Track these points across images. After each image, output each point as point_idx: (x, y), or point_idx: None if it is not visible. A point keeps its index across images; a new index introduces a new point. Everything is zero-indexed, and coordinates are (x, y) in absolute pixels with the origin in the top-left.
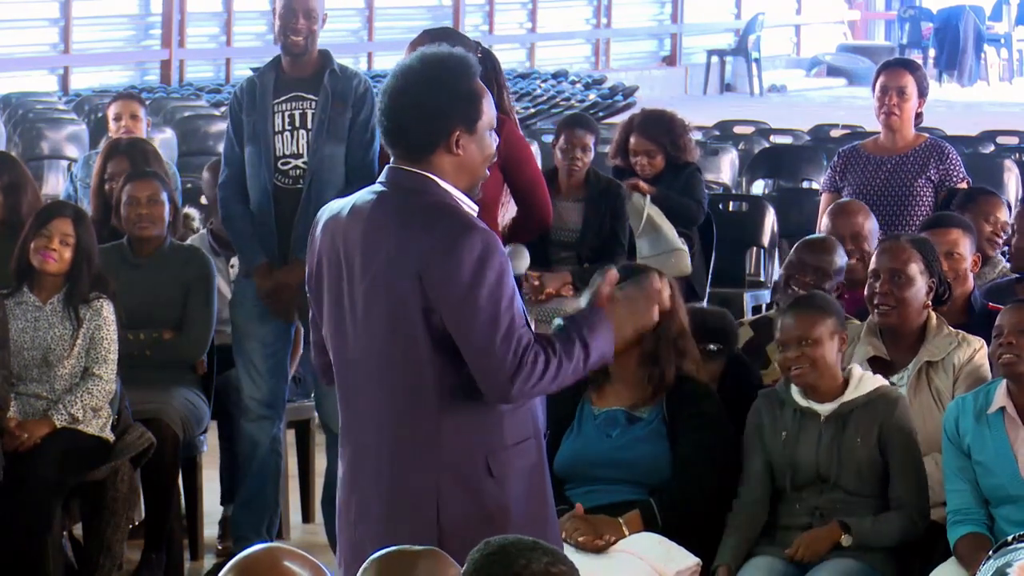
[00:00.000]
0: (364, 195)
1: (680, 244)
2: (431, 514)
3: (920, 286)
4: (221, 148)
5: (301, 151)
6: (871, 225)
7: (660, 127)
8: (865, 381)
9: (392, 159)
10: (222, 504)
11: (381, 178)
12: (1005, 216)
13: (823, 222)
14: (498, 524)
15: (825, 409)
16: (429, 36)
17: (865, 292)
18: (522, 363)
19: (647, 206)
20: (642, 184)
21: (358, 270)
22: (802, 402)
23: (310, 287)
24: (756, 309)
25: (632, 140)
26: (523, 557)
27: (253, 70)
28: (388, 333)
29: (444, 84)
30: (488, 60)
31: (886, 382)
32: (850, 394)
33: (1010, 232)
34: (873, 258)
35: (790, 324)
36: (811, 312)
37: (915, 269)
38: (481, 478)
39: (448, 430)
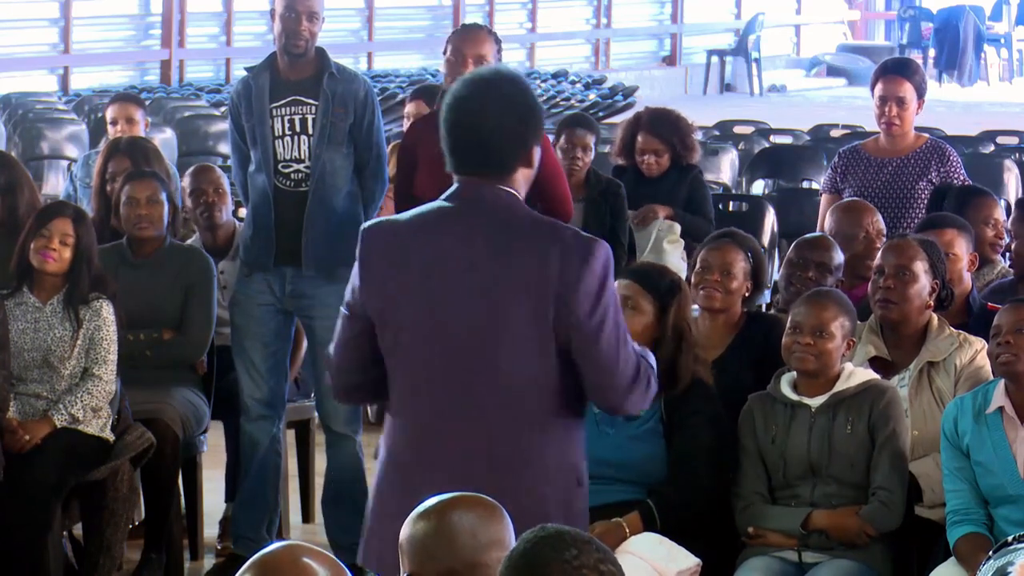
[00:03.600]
0: (442, 209)
1: (682, 268)
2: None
3: (924, 284)
4: (221, 148)
5: (303, 156)
6: (881, 223)
7: (669, 126)
8: (856, 375)
9: (462, 178)
10: (226, 502)
11: (462, 193)
12: (1002, 216)
13: (828, 221)
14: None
15: (815, 401)
16: (466, 30)
17: (868, 288)
18: (638, 375)
19: (655, 233)
20: (659, 209)
21: (469, 285)
22: (792, 396)
23: (369, 306)
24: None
25: (640, 139)
26: (576, 547)
27: (247, 69)
28: (515, 343)
29: (517, 103)
30: None
31: (878, 377)
32: (840, 385)
33: (1009, 236)
34: (879, 255)
35: (809, 312)
36: (832, 306)
37: (920, 267)
38: (573, 488)
39: (551, 440)
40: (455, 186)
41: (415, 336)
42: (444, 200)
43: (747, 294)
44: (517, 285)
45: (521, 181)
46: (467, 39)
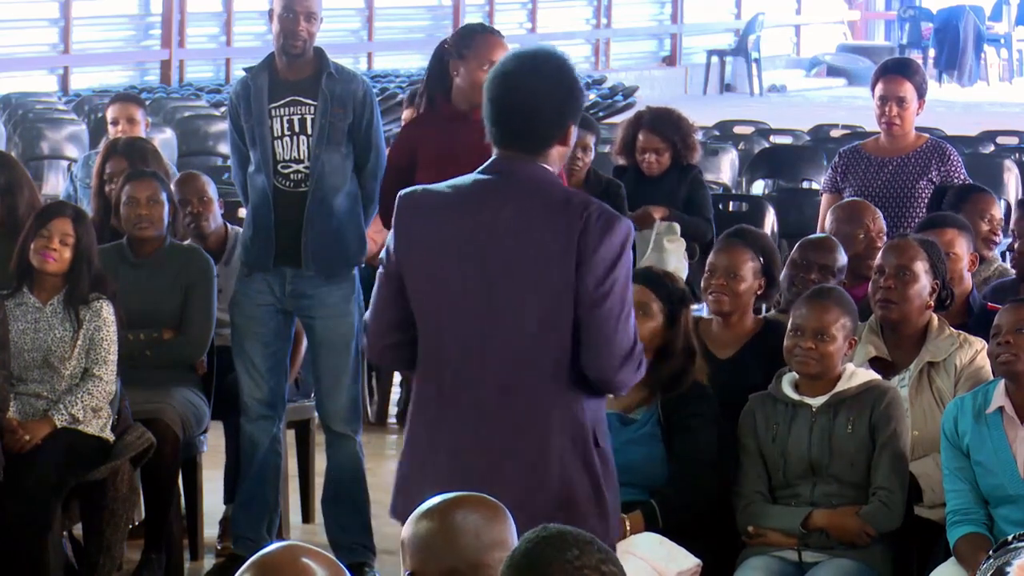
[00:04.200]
0: (479, 181)
1: (683, 268)
2: (555, 482)
3: (924, 284)
4: (221, 148)
5: (302, 156)
6: (882, 223)
7: (670, 125)
8: (857, 375)
9: (501, 151)
10: (225, 504)
11: (499, 167)
12: (1000, 213)
13: (827, 221)
14: (600, 492)
15: (816, 401)
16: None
17: (869, 288)
18: (632, 353)
19: (653, 234)
20: (653, 211)
21: (499, 253)
22: (794, 396)
23: (403, 270)
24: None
25: (641, 137)
26: (578, 548)
27: (246, 70)
28: (538, 311)
29: (562, 81)
30: None
31: (879, 377)
32: (842, 385)
33: (1012, 236)
34: (879, 255)
35: (810, 315)
36: (833, 308)
37: (920, 267)
38: (590, 449)
39: (570, 400)
40: (493, 159)
41: (445, 301)
42: (481, 172)
43: (760, 292)
44: (545, 256)
45: (556, 157)
46: (496, 46)
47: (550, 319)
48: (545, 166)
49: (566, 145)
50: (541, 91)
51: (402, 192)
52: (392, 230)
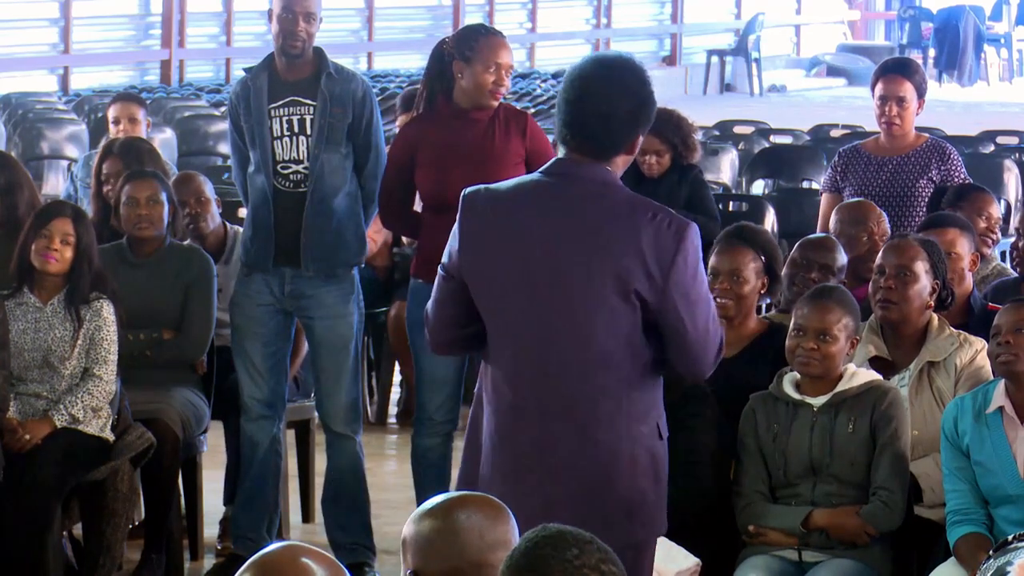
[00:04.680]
0: (541, 182)
1: None
2: (622, 478)
3: (924, 284)
4: (221, 148)
5: (301, 157)
6: (886, 225)
7: (671, 126)
8: (859, 375)
9: (568, 152)
10: (225, 504)
11: (564, 168)
12: (998, 212)
13: (832, 221)
14: (661, 485)
15: (818, 401)
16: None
17: (869, 289)
18: (721, 344)
19: None
20: None
21: (558, 254)
22: (795, 395)
23: (464, 268)
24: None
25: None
26: (577, 547)
27: (246, 70)
28: (599, 312)
29: (638, 92)
30: None
31: (880, 377)
32: (843, 385)
33: (1015, 234)
34: (879, 255)
35: (812, 315)
36: (835, 308)
37: (921, 267)
38: (655, 441)
39: (636, 397)
40: (557, 159)
41: (505, 300)
42: (544, 173)
43: (763, 290)
44: (608, 260)
45: (620, 164)
46: (501, 48)
47: (612, 320)
48: (609, 169)
49: (632, 154)
50: (618, 99)
51: (466, 191)
52: (455, 228)
